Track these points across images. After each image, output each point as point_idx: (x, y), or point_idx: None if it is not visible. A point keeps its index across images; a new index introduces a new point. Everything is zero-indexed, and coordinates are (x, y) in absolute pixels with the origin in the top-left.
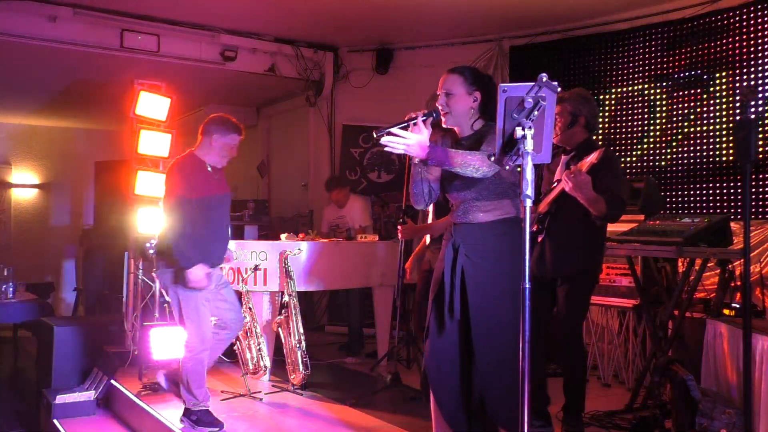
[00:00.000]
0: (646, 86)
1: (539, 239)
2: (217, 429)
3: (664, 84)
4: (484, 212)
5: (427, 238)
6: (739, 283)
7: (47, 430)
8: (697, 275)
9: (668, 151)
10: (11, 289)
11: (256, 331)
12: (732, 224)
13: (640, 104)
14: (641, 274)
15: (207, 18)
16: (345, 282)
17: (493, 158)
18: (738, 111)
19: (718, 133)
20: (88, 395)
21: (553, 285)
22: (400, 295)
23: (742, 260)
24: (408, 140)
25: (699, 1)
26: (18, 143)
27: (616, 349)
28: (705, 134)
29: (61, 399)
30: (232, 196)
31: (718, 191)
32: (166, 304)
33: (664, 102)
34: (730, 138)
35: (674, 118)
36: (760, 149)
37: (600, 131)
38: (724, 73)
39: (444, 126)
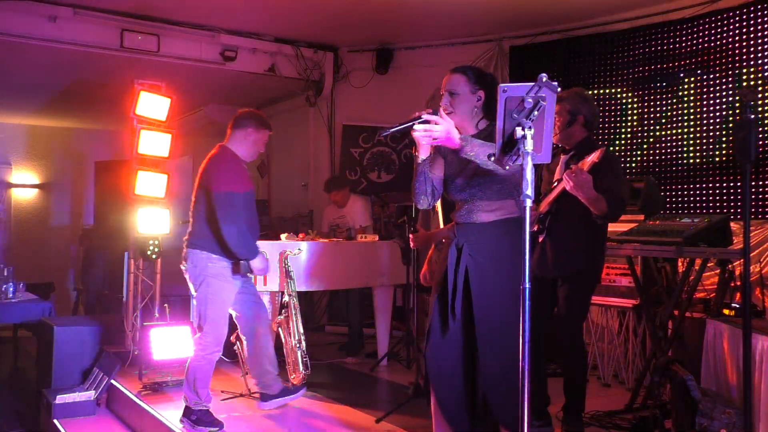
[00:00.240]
0: (645, 86)
1: (540, 239)
2: (217, 429)
3: (664, 84)
4: (488, 212)
5: None
6: (739, 283)
7: (47, 430)
8: (697, 275)
9: (668, 150)
10: (11, 289)
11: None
12: (732, 224)
13: (639, 104)
14: (641, 274)
15: (207, 18)
16: (345, 282)
17: (493, 158)
18: (738, 111)
19: (717, 133)
20: (88, 395)
21: (554, 285)
22: (416, 305)
23: (742, 260)
24: (440, 126)
25: (699, 1)
26: (18, 143)
27: (616, 349)
28: (705, 134)
29: (61, 399)
30: None
31: (718, 191)
32: (166, 305)
33: (664, 102)
34: (730, 138)
35: (674, 118)
36: (760, 149)
37: (600, 131)
38: (723, 73)
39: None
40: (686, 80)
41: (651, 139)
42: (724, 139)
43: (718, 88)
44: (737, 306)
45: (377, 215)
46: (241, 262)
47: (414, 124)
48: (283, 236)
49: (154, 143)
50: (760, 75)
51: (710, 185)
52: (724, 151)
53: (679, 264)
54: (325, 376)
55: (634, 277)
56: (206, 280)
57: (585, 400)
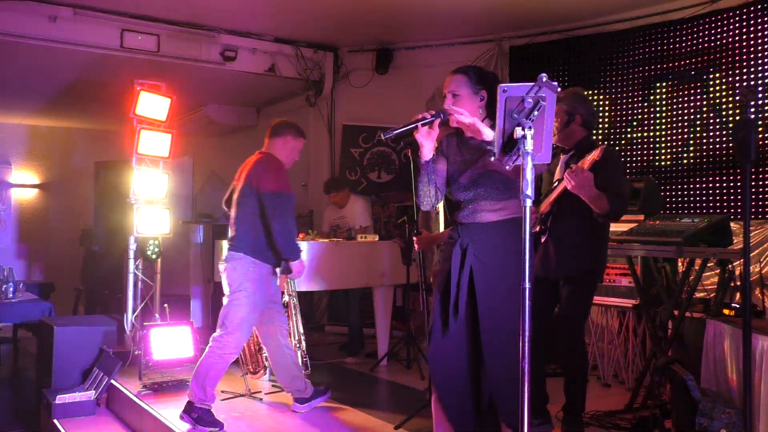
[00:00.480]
0: (645, 86)
1: (543, 240)
2: (217, 429)
3: (664, 84)
4: (491, 212)
5: None
6: (738, 283)
7: (47, 430)
8: (696, 275)
9: (668, 150)
10: (11, 289)
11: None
12: (732, 224)
13: (639, 104)
14: (641, 274)
15: (207, 18)
16: (345, 282)
17: (493, 158)
18: (738, 110)
19: (717, 133)
20: (88, 395)
21: (555, 285)
22: (424, 306)
23: (742, 260)
24: (467, 115)
25: (699, 1)
26: (18, 143)
27: (616, 349)
28: (704, 134)
29: (61, 399)
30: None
31: (718, 191)
32: (166, 305)
33: (663, 102)
34: (730, 138)
35: (674, 118)
36: (760, 149)
37: (600, 131)
38: (723, 73)
39: (452, 126)
40: (686, 80)
41: (651, 139)
42: (724, 138)
43: (717, 87)
44: (737, 306)
45: (377, 215)
46: (282, 262)
47: (417, 126)
48: None
49: (154, 143)
50: (760, 75)
51: (710, 185)
52: (724, 151)
53: (679, 264)
54: (325, 376)
55: (634, 277)
56: (244, 283)
57: (585, 400)
